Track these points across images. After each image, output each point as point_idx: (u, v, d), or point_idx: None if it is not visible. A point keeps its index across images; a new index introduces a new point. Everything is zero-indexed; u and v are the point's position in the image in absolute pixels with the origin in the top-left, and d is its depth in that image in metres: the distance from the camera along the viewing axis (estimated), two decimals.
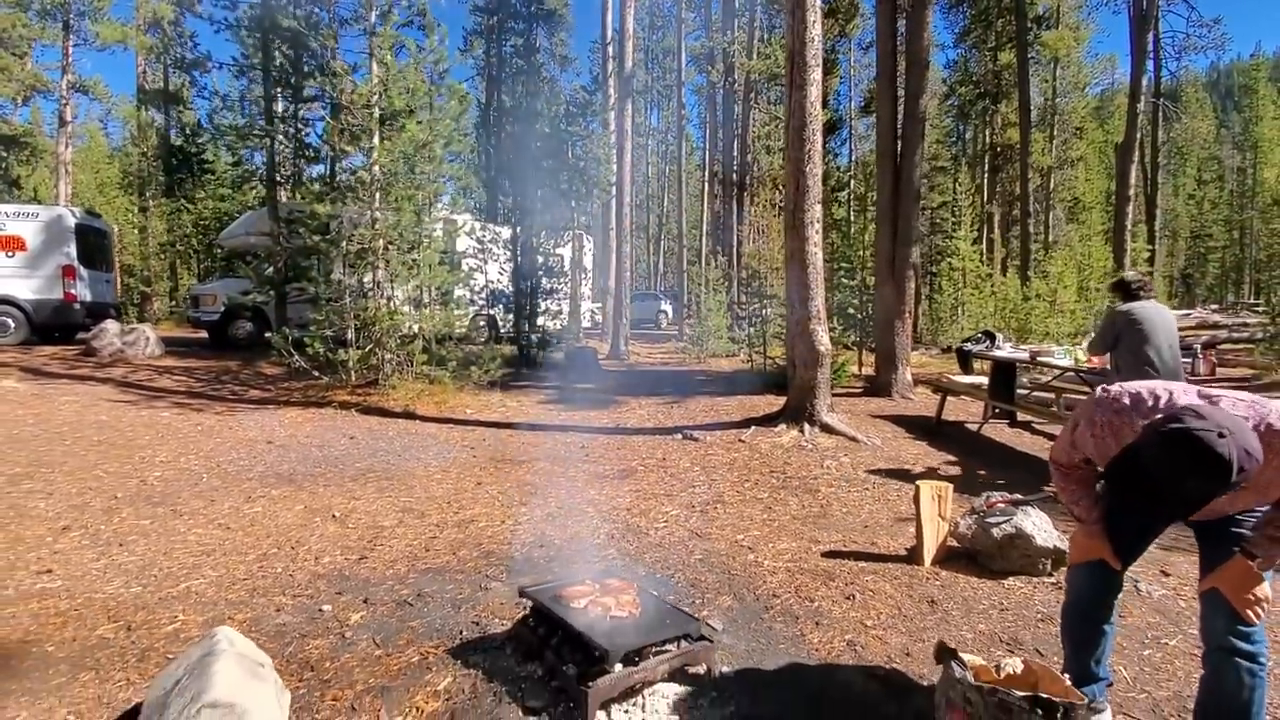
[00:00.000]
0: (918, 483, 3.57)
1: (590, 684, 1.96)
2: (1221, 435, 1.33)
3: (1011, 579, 3.34)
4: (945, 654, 1.49)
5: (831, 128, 23.28)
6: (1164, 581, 3.39)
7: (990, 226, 24.98)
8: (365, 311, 9.08)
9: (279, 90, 13.27)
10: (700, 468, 5.76)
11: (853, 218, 12.66)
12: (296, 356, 9.13)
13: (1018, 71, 22.83)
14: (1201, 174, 49.14)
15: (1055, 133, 29.88)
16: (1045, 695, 1.34)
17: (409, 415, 8.06)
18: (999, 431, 7.35)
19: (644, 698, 2.11)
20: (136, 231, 19.12)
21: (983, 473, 5.66)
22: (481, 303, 12.89)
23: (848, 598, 3.09)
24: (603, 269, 17.95)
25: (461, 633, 2.67)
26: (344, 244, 9.49)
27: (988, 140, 30.66)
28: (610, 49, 17.60)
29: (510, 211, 13.83)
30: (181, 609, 2.90)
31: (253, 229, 12.79)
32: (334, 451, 6.23)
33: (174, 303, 19.69)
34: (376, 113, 8.87)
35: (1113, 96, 40.17)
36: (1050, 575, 3.36)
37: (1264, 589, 1.66)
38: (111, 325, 11.03)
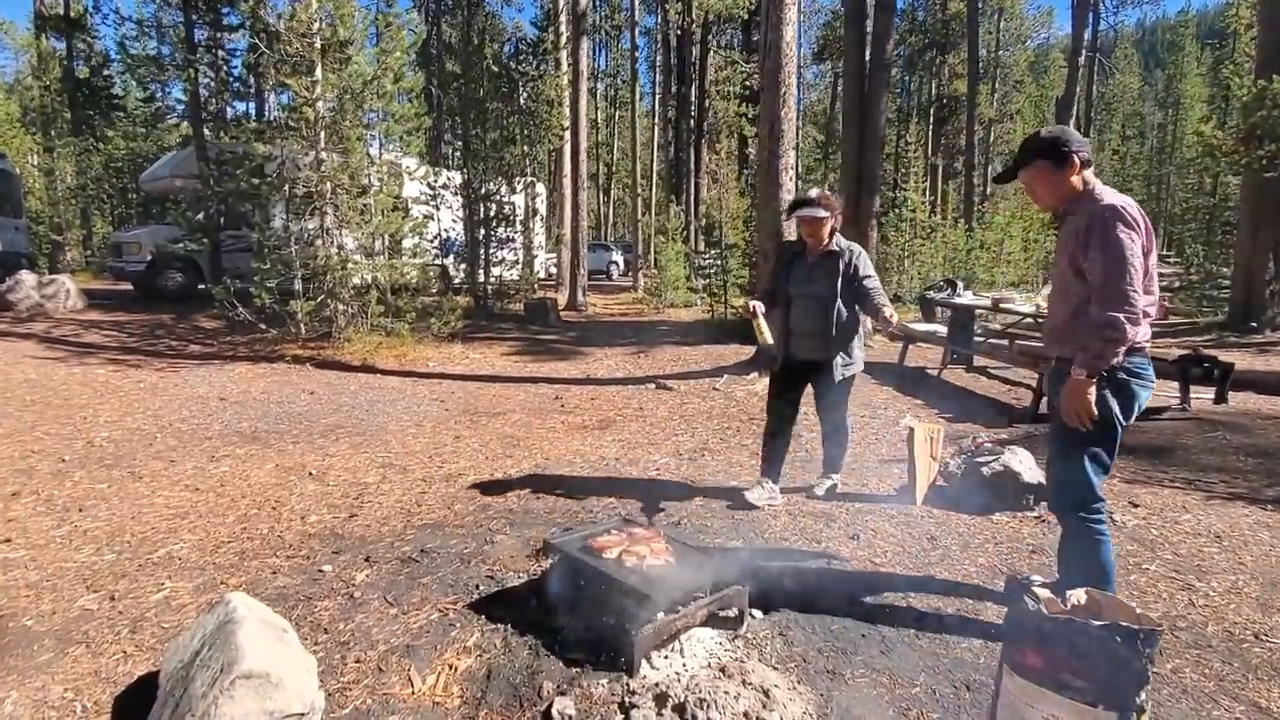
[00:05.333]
0: (911, 425, 3.64)
1: (635, 632, 1.93)
2: None
3: (997, 514, 3.48)
4: (1016, 588, 1.52)
5: None
6: (1134, 512, 3.59)
7: (935, 178, 25.47)
8: (314, 260, 8.57)
9: (197, 17, 12.09)
10: (679, 417, 5.75)
11: (812, 165, 12.61)
12: (241, 309, 8.60)
13: (967, 20, 22.95)
14: (1125, 130, 51.18)
15: (997, 85, 30.50)
16: (1124, 623, 1.37)
17: (369, 369, 7.76)
18: (957, 376, 7.61)
19: (681, 642, 2.09)
20: (42, 174, 17.38)
21: (949, 416, 5.85)
22: (435, 252, 12.38)
23: (852, 538, 3.15)
24: (556, 217, 17.47)
25: (478, 587, 2.59)
26: (286, 187, 8.88)
27: (933, 92, 31.04)
28: None
29: (458, 156, 13.22)
30: (167, 575, 2.71)
31: (178, 170, 11.78)
32: (296, 408, 5.94)
33: (89, 252, 18.16)
34: (318, 42, 8.18)
35: (1047, 52, 41.10)
36: (1033, 510, 3.52)
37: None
38: (27, 276, 10.12)
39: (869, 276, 3.37)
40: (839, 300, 3.35)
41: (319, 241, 8.71)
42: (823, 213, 3.36)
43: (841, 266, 3.35)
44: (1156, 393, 6.59)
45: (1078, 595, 1.53)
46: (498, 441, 4.94)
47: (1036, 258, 15.80)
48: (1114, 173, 50.14)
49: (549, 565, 2.51)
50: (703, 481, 4.03)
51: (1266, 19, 10.16)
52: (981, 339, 7.87)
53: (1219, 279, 14.59)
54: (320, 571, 2.75)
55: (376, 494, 3.78)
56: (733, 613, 2.21)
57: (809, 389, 3.58)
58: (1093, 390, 2.04)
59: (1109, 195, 2.09)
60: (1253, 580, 2.83)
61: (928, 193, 23.27)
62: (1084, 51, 21.46)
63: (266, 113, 19.02)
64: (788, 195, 6.78)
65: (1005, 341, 7.93)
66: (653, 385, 7.01)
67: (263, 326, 8.70)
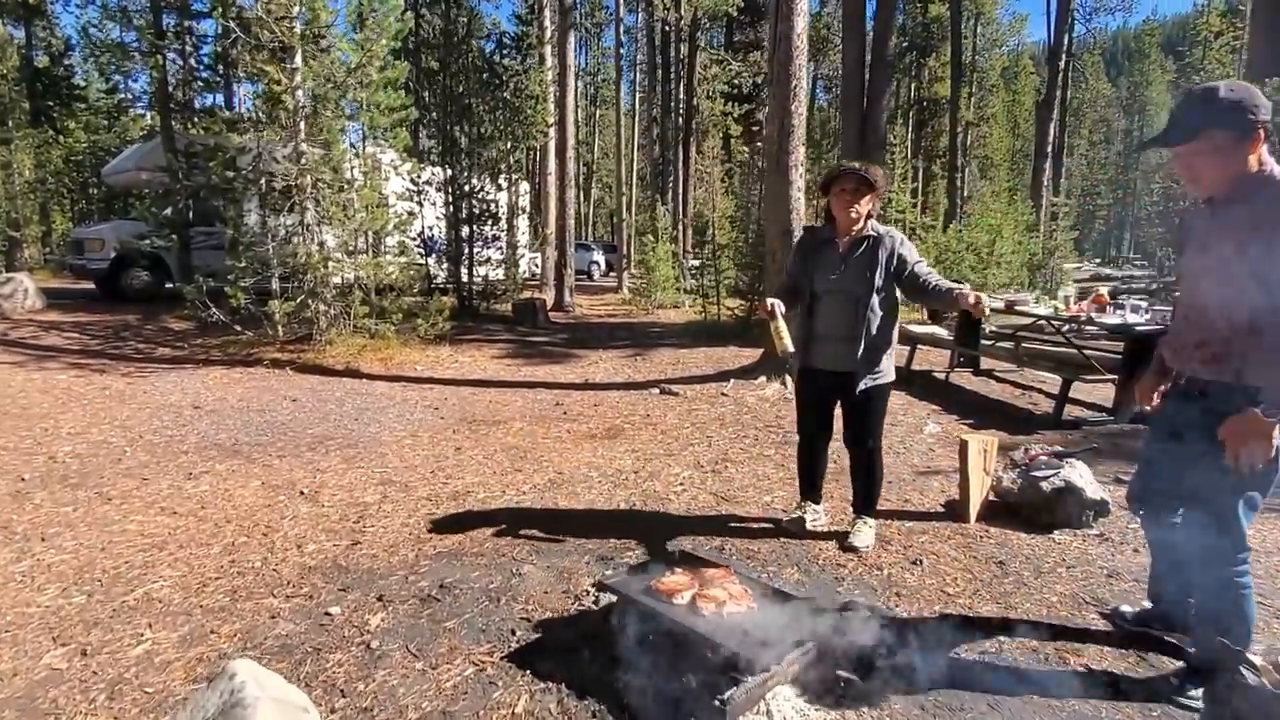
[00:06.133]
0: (964, 437, 3.40)
1: (726, 699, 1.63)
2: None
3: (1058, 533, 3.25)
4: (1230, 656, 1.26)
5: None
6: None
7: (918, 180, 25.58)
8: (294, 258, 8.10)
9: (165, 3, 11.48)
10: (691, 425, 5.46)
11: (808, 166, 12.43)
12: (214, 310, 8.09)
13: (950, 24, 23.06)
14: (1092, 136, 52.26)
15: (974, 89, 30.77)
16: None
17: (353, 374, 7.34)
18: (966, 379, 7.44)
19: (768, 703, 1.80)
20: None
21: (970, 422, 5.65)
22: (419, 250, 11.92)
23: (914, 563, 2.89)
24: (541, 216, 17.08)
25: (513, 632, 2.26)
26: (262, 181, 8.39)
27: (913, 94, 31.18)
28: None
29: (441, 152, 12.78)
30: (147, 622, 2.33)
31: (144, 163, 11.16)
32: (278, 416, 5.52)
33: (48, 249, 17.27)
34: (298, 27, 7.72)
35: (1018, 58, 41.82)
36: (1092, 527, 3.30)
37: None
38: None
39: (919, 262, 2.82)
40: (875, 298, 2.79)
41: (298, 238, 8.24)
42: (872, 179, 2.77)
43: (882, 256, 2.79)
44: None
45: None
46: (503, 453, 4.59)
47: (1021, 259, 15.86)
48: (1083, 176, 51.26)
49: (604, 609, 2.19)
50: (734, 497, 3.75)
51: (1262, 25, 10.20)
52: (991, 342, 7.72)
53: None
54: (327, 615, 2.39)
55: (379, 516, 3.42)
56: (822, 666, 1.92)
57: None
58: (1278, 431, 1.66)
59: None
60: None
61: (913, 195, 23.34)
62: (1063, 55, 21.69)
63: (236, 104, 18.34)
64: (798, 192, 6.53)
65: (1011, 345, 7.83)
66: (657, 390, 6.71)
67: (237, 328, 8.21)
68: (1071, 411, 5.65)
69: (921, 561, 2.89)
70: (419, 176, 11.56)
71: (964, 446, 3.34)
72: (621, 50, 22.36)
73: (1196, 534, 1.88)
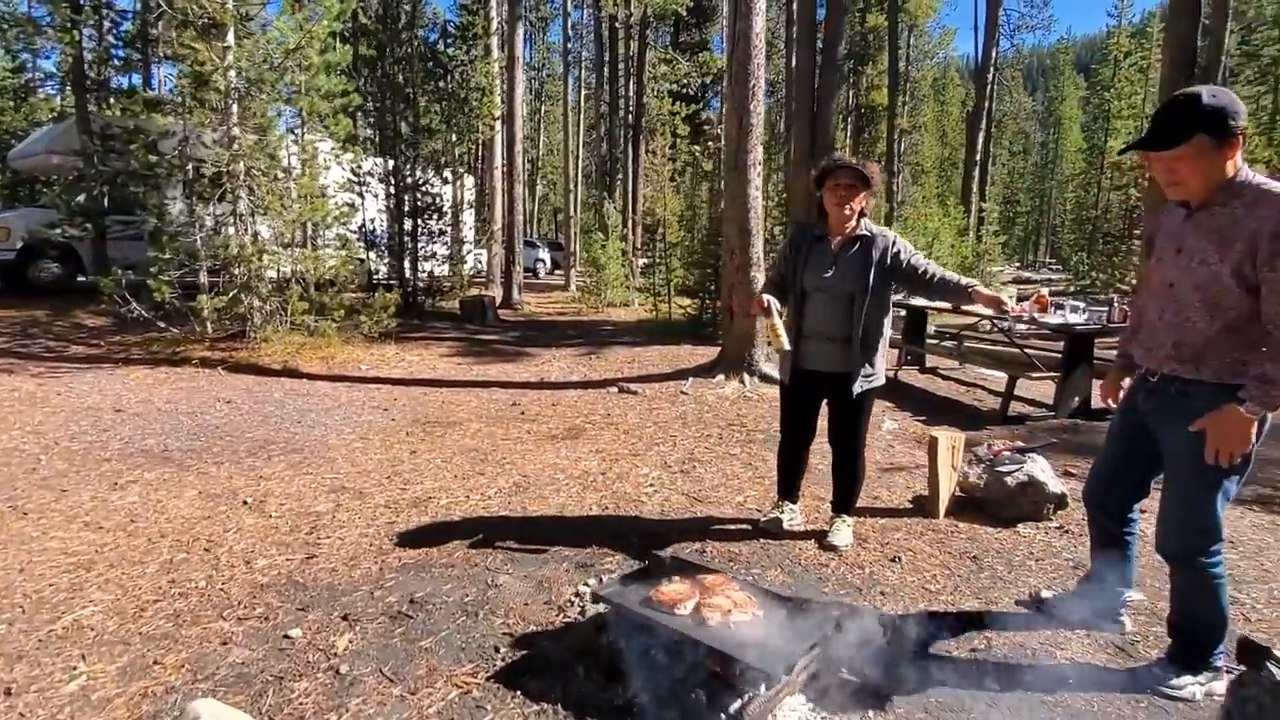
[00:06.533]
0: (933, 434, 3.45)
1: (736, 714, 1.55)
2: None
3: (1021, 526, 3.33)
4: (1255, 654, 1.26)
5: (715, 78, 23.22)
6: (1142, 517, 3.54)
7: None
8: (225, 250, 7.60)
9: None
10: (653, 424, 5.39)
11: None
12: (134, 304, 7.50)
13: (888, 34, 23.81)
14: (1012, 146, 55.14)
15: (908, 98, 31.96)
16: None
17: (292, 373, 6.95)
18: (914, 376, 7.65)
19: (776, 714, 1.73)
20: None
21: (923, 419, 5.79)
22: (360, 244, 11.43)
23: (893, 560, 2.90)
24: (488, 212, 16.70)
25: (497, 649, 2.12)
26: (189, 167, 7.84)
27: (852, 102, 32.09)
28: None
29: (380, 142, 12.30)
30: (79, 654, 2.08)
31: (55, 146, 10.28)
32: (211, 419, 5.15)
33: None
34: (230, 3, 7.23)
35: (946, 69, 43.80)
36: (1052, 520, 3.41)
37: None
38: None
39: (916, 254, 2.77)
40: (868, 298, 2.71)
41: (228, 229, 7.74)
42: (868, 175, 2.71)
43: (876, 256, 2.71)
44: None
45: None
46: (462, 456, 4.40)
47: (955, 262, 16.56)
48: (1004, 184, 54.06)
49: (594, 621, 2.08)
50: (706, 498, 3.69)
51: (1171, 44, 10.88)
52: (936, 341, 7.97)
53: (1119, 285, 15.85)
54: (287, 638, 2.19)
55: (334, 527, 3.20)
56: (827, 671, 1.87)
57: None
58: (1256, 425, 1.74)
59: None
60: None
61: None
62: (990, 69, 22.73)
63: (156, 86, 17.16)
64: (756, 190, 6.55)
65: (955, 343, 8.11)
66: (615, 389, 6.61)
67: (161, 325, 7.65)
68: (1014, 407, 5.87)
69: (900, 559, 2.90)
70: (360, 167, 11.08)
71: (933, 443, 3.39)
72: (569, 45, 22.12)
73: (1171, 526, 1.94)
